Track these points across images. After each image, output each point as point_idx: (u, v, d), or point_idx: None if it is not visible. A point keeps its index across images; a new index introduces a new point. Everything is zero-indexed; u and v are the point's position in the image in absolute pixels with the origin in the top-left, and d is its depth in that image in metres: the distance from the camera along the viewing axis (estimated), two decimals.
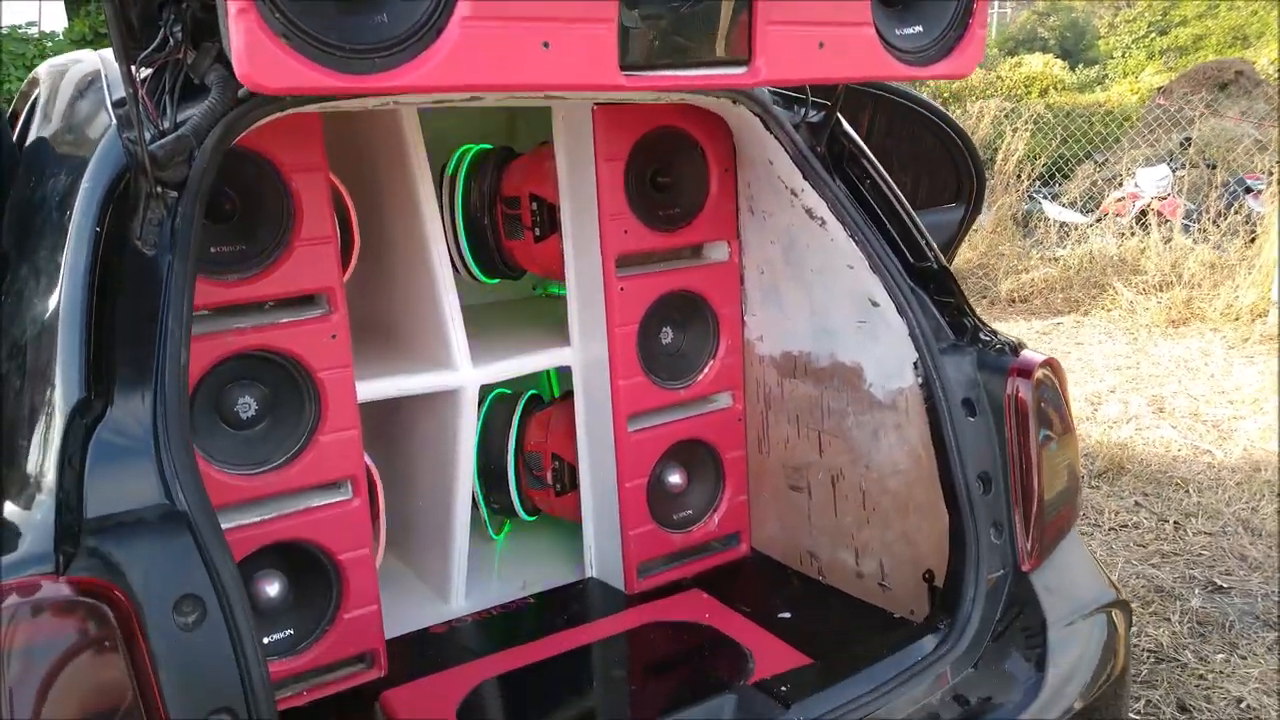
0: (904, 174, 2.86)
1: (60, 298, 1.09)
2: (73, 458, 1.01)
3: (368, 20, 0.94)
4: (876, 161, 1.72)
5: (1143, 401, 4.92)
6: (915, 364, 1.62)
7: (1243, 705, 2.37)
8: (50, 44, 13.08)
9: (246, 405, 1.51)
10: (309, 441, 1.55)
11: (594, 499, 1.98)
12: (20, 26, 12.01)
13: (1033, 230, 8.05)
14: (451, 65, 0.96)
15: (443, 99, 1.41)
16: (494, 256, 2.05)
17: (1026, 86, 18.68)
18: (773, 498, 1.99)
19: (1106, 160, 9.11)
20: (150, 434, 1.06)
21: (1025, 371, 1.57)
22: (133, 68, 1.11)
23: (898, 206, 1.70)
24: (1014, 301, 7.46)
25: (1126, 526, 3.41)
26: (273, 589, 1.57)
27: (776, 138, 1.69)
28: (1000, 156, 8.07)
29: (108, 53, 1.64)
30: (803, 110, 1.70)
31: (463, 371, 1.78)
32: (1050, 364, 1.62)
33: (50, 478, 1.00)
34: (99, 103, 1.33)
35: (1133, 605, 2.82)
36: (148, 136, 1.14)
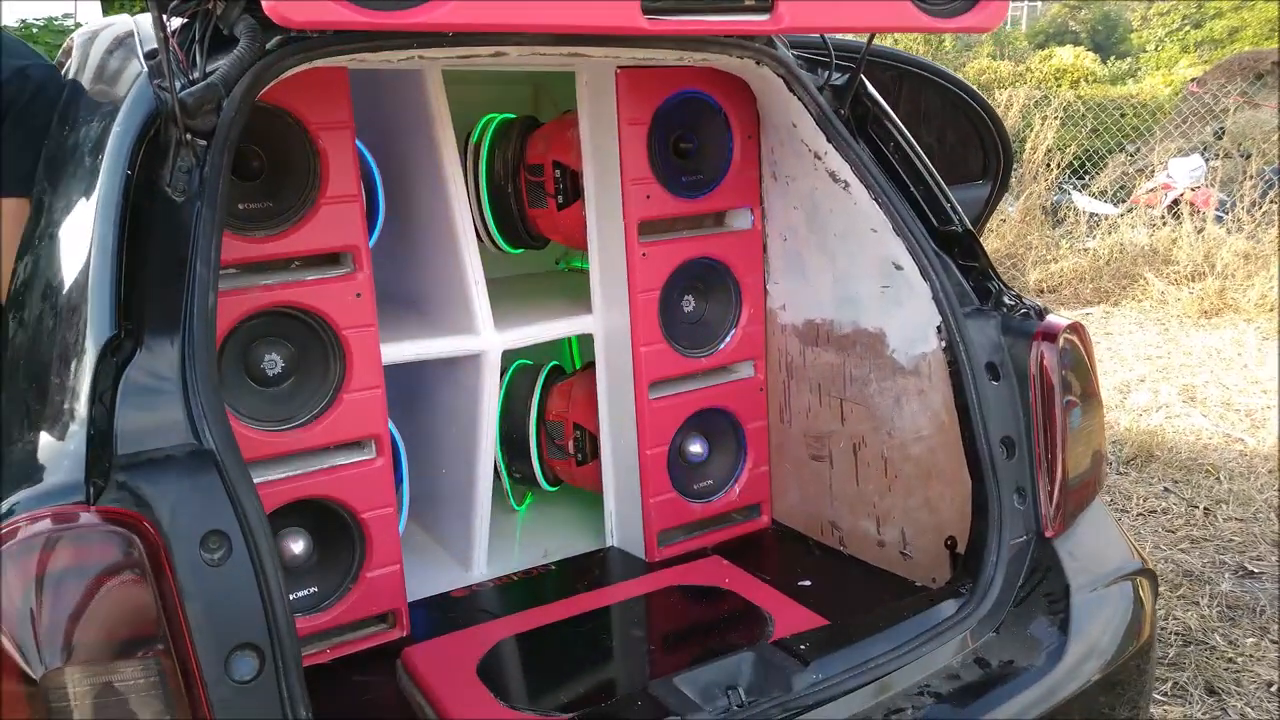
0: (932, 149, 2.84)
1: (92, 239, 1.11)
2: (103, 395, 1.02)
3: None
4: (901, 124, 1.71)
5: (1173, 390, 4.86)
6: (939, 328, 1.61)
7: (1273, 689, 2.33)
8: None
9: (273, 362, 1.53)
10: (334, 399, 1.56)
11: (615, 467, 1.98)
12: (56, 19, 12.12)
13: (1062, 220, 7.97)
14: (473, 3, 0.96)
15: (468, 53, 1.41)
16: (517, 226, 2.06)
17: (1057, 79, 18.46)
18: (794, 468, 1.99)
19: (1138, 150, 9.00)
20: (179, 374, 1.07)
21: (1050, 336, 1.55)
22: (164, 16, 1.13)
23: (922, 170, 1.68)
24: (1043, 292, 7.39)
25: (1155, 512, 3.37)
26: (297, 547, 1.58)
27: (800, 100, 1.68)
28: (1029, 146, 7.98)
29: (142, 16, 1.66)
30: (827, 72, 1.69)
31: (485, 336, 1.79)
32: (1076, 328, 1.60)
33: (81, 413, 1.01)
34: (130, 53, 1.35)
35: (1161, 589, 2.79)
36: (178, 85, 1.16)
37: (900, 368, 1.70)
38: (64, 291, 1.12)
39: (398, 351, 1.72)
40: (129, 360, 1.06)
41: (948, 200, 1.68)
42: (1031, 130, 8.04)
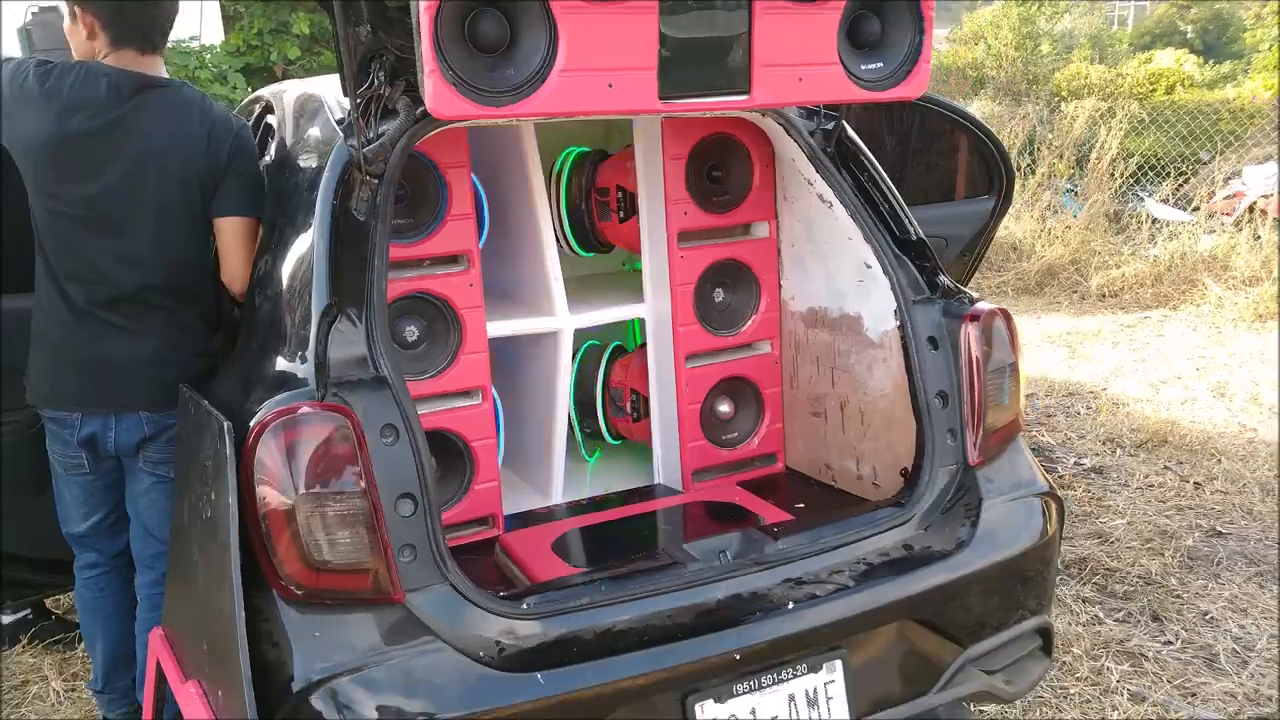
0: (942, 169, 3.36)
1: (313, 244, 1.75)
2: (321, 339, 1.66)
3: (502, 74, 1.56)
4: (874, 159, 2.26)
5: (1205, 386, 5.19)
6: (895, 311, 2.15)
7: (1208, 617, 2.79)
8: (209, 56, 14.28)
9: (411, 331, 2.17)
10: (454, 359, 2.19)
11: (660, 421, 2.57)
12: (183, 41, 13.23)
13: (1125, 227, 8.21)
14: (551, 100, 1.56)
15: (547, 120, 2.03)
16: (589, 235, 2.68)
17: (1151, 83, 18.24)
18: (800, 424, 2.54)
19: (1213, 158, 9.10)
20: (365, 329, 1.71)
21: (975, 317, 2.09)
22: (355, 100, 1.77)
23: (888, 193, 2.23)
24: (1104, 296, 7.66)
25: (1153, 486, 3.80)
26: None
27: (796, 142, 2.25)
28: (1094, 155, 8.26)
29: (312, 83, 2.34)
30: (817, 120, 2.26)
31: (560, 317, 2.40)
32: (999, 313, 2.13)
33: (310, 350, 1.65)
34: (326, 121, 2.01)
35: (1133, 542, 3.25)
36: (361, 143, 1.80)
37: (871, 342, 2.25)
38: (297, 276, 1.78)
39: (498, 327, 2.35)
40: (335, 319, 1.70)
41: (906, 216, 2.22)
42: (1097, 140, 8.31)
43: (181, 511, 1.84)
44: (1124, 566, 3.09)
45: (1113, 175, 8.18)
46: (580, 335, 2.55)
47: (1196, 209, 8.20)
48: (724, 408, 2.58)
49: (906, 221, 2.22)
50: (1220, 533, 3.34)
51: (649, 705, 1.69)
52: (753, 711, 1.75)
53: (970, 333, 2.09)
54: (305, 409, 1.57)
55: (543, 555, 2.06)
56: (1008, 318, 2.16)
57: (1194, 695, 2.47)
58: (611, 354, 2.77)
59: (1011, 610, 2.03)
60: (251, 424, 1.59)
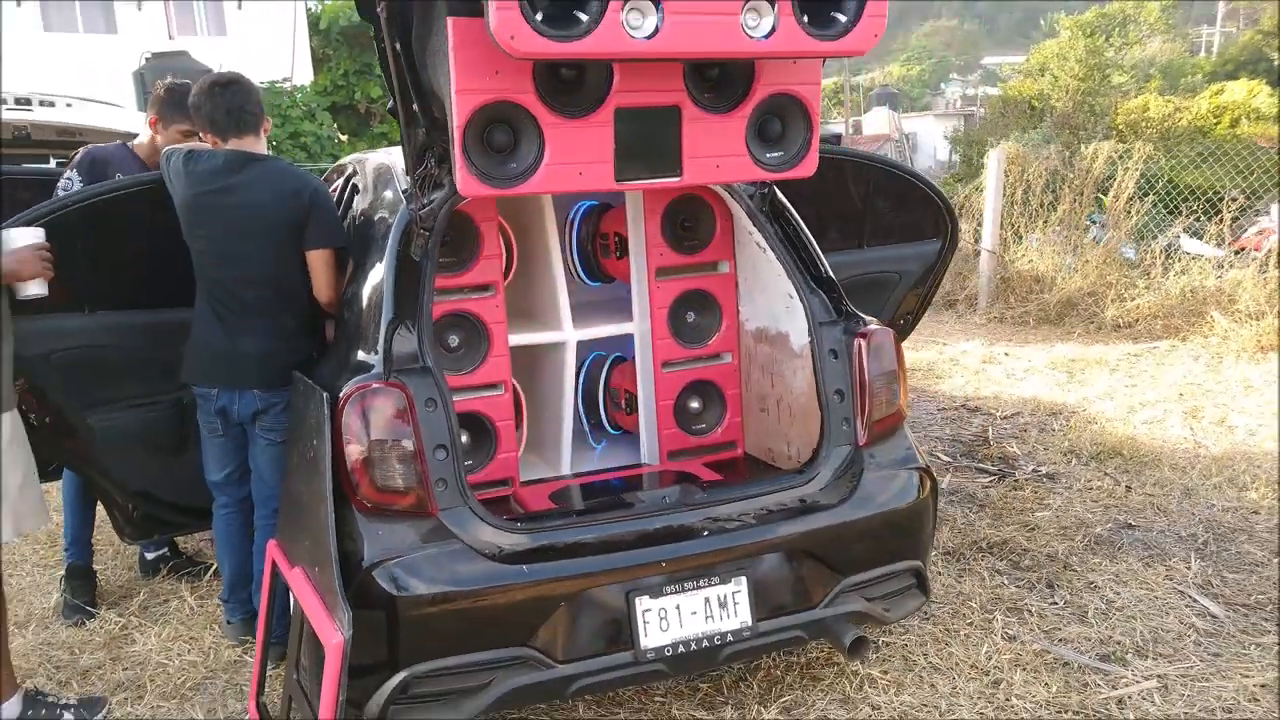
0: (896, 217, 4.07)
1: (384, 275, 2.58)
2: (387, 340, 2.47)
3: (507, 166, 2.35)
4: (797, 216, 3.00)
5: (1180, 410, 5.71)
6: (809, 330, 2.89)
7: (1092, 585, 3.41)
8: (300, 95, 15.46)
9: (454, 340, 2.98)
10: (483, 360, 2.99)
11: (644, 413, 3.33)
12: (277, 81, 14.41)
13: (1140, 261, 8.67)
14: (540, 183, 2.35)
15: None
16: (594, 268, 3.47)
17: (1215, 117, 18.30)
18: (753, 418, 3.28)
19: (1251, 194, 9.29)
20: (417, 334, 2.52)
21: (864, 335, 2.81)
22: (414, 179, 2.59)
23: (807, 242, 2.97)
24: (1119, 327, 8.16)
25: (1091, 489, 4.40)
26: (464, 438, 3.02)
27: (739, 203, 3.01)
28: (1111, 195, 8.77)
29: (384, 154, 3.19)
30: (754, 187, 3.01)
31: (566, 331, 3.19)
32: (884, 333, 2.84)
33: (380, 347, 2.47)
34: (394, 188, 2.84)
35: (1050, 530, 3.87)
36: (417, 206, 2.62)
37: (795, 353, 2.98)
38: (373, 297, 2.61)
39: (520, 338, 3.14)
40: (396, 327, 2.51)
41: (819, 259, 2.95)
42: (1114, 180, 8.82)
43: (293, 457, 2.67)
44: (1036, 548, 3.72)
45: (1129, 213, 8.67)
46: (587, 346, 3.34)
47: (1225, 245, 8.57)
48: (695, 404, 3.32)
49: (819, 263, 2.96)
50: (1130, 525, 3.93)
51: (604, 594, 2.44)
52: (678, 607, 2.50)
53: (861, 347, 2.81)
54: (375, 385, 2.39)
55: (541, 501, 2.84)
56: (892, 336, 2.87)
57: (1060, 639, 3.10)
58: (613, 362, 3.55)
59: (884, 553, 2.74)
60: (340, 395, 2.41)
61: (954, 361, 7.29)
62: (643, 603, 2.47)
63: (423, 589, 2.31)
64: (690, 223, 3.23)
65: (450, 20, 2.15)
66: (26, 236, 2.66)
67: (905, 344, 7.99)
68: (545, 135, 2.32)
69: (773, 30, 2.19)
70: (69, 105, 6.29)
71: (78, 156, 3.42)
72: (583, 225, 3.47)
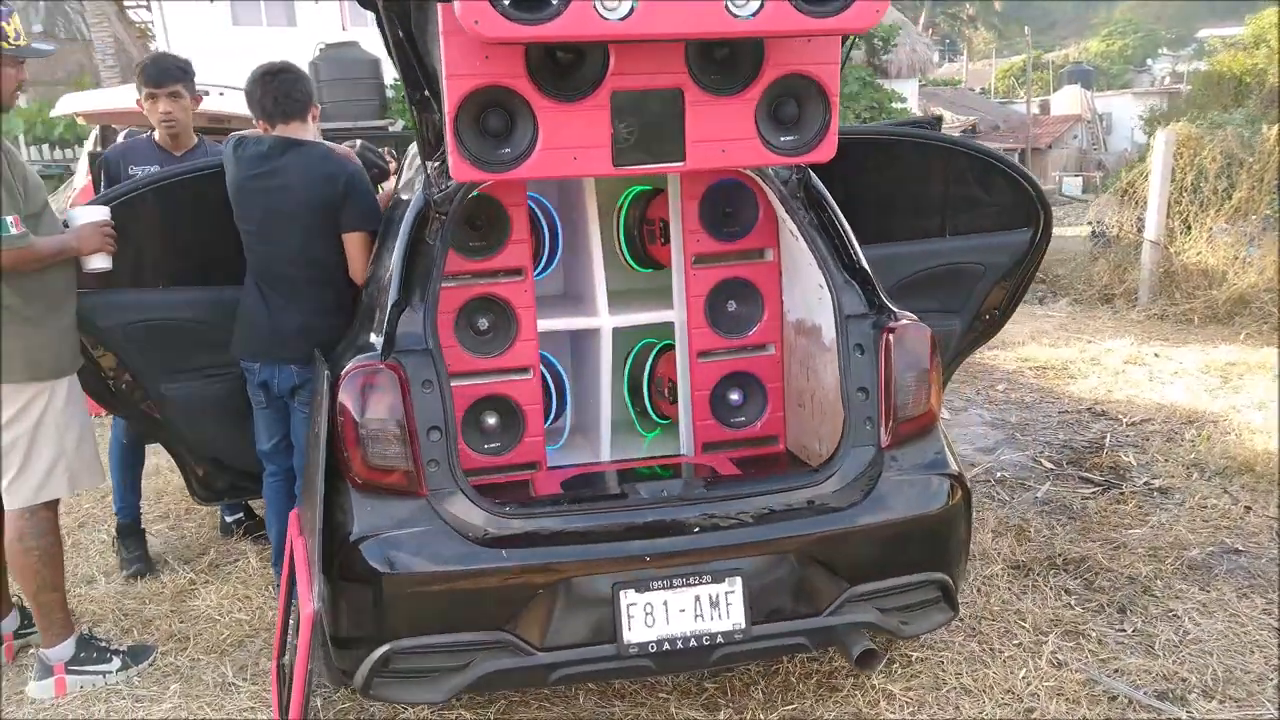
0: (982, 205, 3.80)
1: (395, 258, 2.63)
2: (392, 321, 2.52)
3: (501, 151, 2.34)
4: (833, 202, 2.84)
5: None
6: (837, 324, 2.73)
7: (1171, 615, 3.08)
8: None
9: (482, 323, 3.00)
10: (512, 344, 3.01)
11: (682, 403, 3.25)
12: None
13: None
14: (533, 168, 2.33)
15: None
16: (640, 253, 3.42)
17: None
18: (792, 413, 3.14)
19: None
20: (422, 316, 2.56)
21: (892, 330, 2.63)
22: (429, 163, 2.63)
23: (841, 229, 2.81)
24: None
25: (1204, 507, 3.98)
26: (491, 420, 3.05)
27: (773, 189, 2.88)
28: None
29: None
30: (790, 171, 2.87)
31: (601, 317, 3.15)
32: (916, 329, 2.65)
33: (383, 328, 2.52)
34: (419, 172, 2.90)
35: (1140, 550, 3.52)
36: (434, 192, 2.65)
37: (825, 347, 2.83)
38: (384, 280, 2.67)
39: (557, 323, 3.14)
40: (403, 309, 2.56)
41: (854, 248, 2.78)
42: None
43: (308, 432, 2.78)
44: (1118, 568, 3.39)
45: None
46: (634, 334, 3.29)
47: None
48: (735, 396, 3.22)
49: (854, 253, 2.79)
50: (1237, 550, 3.51)
51: (589, 585, 2.41)
52: (665, 603, 2.43)
53: (889, 342, 2.63)
54: (370, 365, 2.45)
55: (553, 486, 2.83)
56: (927, 333, 2.67)
57: (1115, 670, 2.82)
58: (659, 350, 3.48)
59: (901, 562, 2.56)
60: (340, 374, 2.49)
61: (1094, 361, 6.76)
62: (628, 596, 2.42)
63: (404, 566, 2.36)
64: (732, 209, 3.12)
65: (440, 6, 2.15)
66: (91, 214, 2.89)
67: (1042, 339, 7.51)
68: (539, 119, 2.30)
69: (760, 8, 2.07)
70: (221, 94, 6.77)
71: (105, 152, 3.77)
72: (630, 211, 3.42)
